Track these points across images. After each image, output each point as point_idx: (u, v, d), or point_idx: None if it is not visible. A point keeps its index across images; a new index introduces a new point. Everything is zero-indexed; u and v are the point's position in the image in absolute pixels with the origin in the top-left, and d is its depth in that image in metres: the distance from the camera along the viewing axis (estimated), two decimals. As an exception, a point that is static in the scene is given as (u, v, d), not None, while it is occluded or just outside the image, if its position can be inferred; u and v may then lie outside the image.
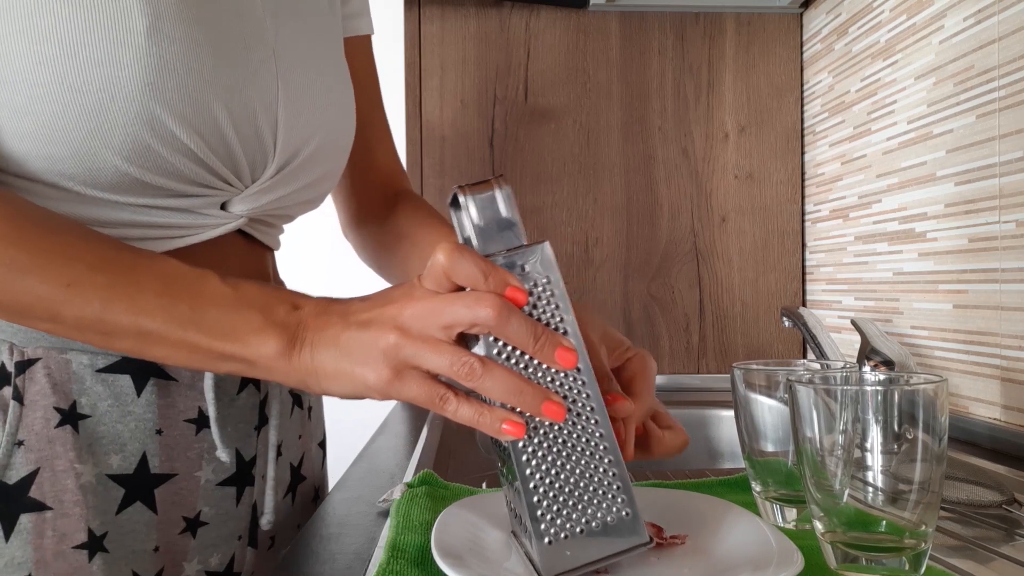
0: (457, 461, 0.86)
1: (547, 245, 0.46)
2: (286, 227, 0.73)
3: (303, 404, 0.74)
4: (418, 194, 0.83)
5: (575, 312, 0.46)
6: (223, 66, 0.55)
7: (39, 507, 0.53)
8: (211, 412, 0.60)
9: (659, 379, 1.43)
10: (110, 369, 0.57)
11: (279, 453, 0.68)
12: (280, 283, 0.76)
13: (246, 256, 0.66)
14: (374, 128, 0.81)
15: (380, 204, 0.80)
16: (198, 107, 0.54)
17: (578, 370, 0.45)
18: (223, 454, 0.60)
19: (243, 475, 0.64)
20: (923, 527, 0.44)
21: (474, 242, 0.46)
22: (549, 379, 0.45)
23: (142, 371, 0.58)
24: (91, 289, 0.48)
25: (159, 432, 0.58)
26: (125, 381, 0.57)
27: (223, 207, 0.60)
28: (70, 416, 0.55)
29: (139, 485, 0.58)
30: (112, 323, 0.48)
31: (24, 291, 0.48)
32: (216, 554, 0.62)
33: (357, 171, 0.79)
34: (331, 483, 0.80)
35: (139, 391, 0.57)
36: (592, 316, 0.53)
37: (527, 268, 0.45)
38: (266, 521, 0.64)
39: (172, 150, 0.54)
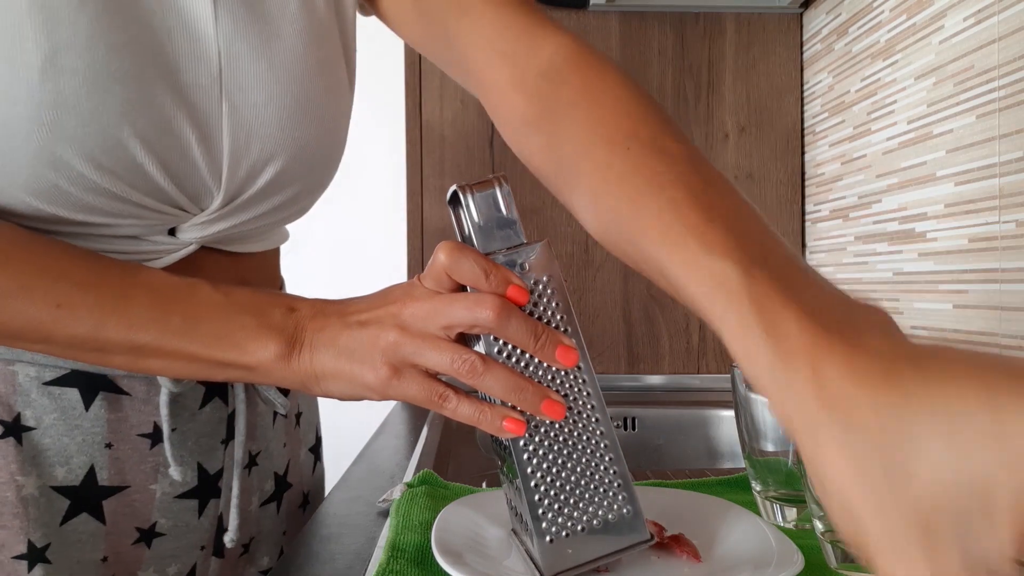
0: (457, 461, 0.86)
1: (546, 243, 0.46)
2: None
3: (287, 413, 0.72)
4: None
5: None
6: (140, 99, 0.50)
7: None
8: (164, 429, 0.57)
9: (659, 379, 1.43)
10: (57, 382, 0.54)
11: (255, 464, 0.66)
12: (279, 279, 0.73)
13: (227, 265, 0.62)
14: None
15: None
16: (108, 146, 0.49)
17: (579, 368, 0.45)
18: (175, 472, 0.58)
19: (208, 488, 0.62)
20: (924, 526, 0.44)
21: (474, 240, 0.46)
22: (550, 377, 0.45)
23: (90, 385, 0.55)
24: (82, 308, 0.47)
25: (108, 446, 0.56)
26: (72, 395, 0.55)
27: (172, 232, 0.56)
28: (13, 428, 0.53)
29: (85, 496, 0.55)
30: (105, 340, 0.47)
31: (14, 315, 0.46)
32: (175, 564, 0.60)
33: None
34: (329, 485, 0.80)
35: (87, 405, 0.55)
36: None
37: (527, 266, 0.45)
38: (229, 539, 0.62)
39: (83, 189, 0.50)
